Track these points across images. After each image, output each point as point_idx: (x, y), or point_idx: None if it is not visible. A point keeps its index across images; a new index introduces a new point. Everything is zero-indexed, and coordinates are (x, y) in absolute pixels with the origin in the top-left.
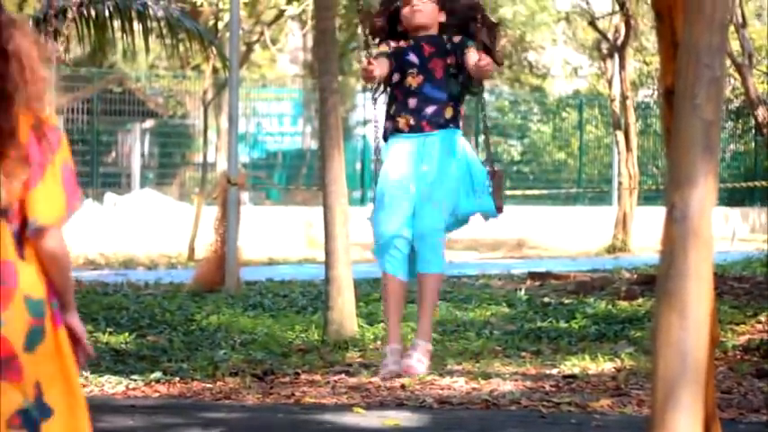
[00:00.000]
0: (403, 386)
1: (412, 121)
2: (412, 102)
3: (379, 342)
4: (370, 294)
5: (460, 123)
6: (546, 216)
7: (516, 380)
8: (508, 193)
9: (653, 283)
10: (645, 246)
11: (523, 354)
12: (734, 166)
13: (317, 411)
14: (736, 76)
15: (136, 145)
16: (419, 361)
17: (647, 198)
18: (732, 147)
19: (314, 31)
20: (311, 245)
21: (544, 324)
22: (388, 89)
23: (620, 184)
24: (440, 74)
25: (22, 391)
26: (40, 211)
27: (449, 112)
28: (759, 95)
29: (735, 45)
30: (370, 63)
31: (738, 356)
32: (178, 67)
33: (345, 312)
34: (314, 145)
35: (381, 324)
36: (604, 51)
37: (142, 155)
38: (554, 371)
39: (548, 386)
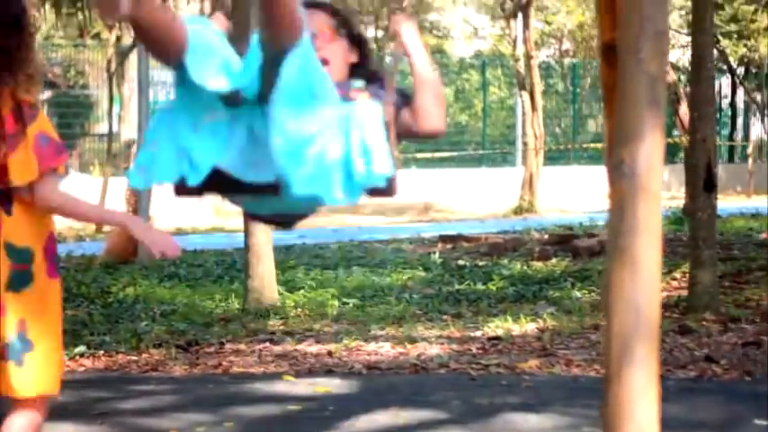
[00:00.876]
0: (330, 353)
1: None
2: None
3: (299, 309)
4: (287, 261)
5: None
6: (451, 179)
7: (442, 343)
8: (417, 156)
9: (564, 244)
10: (551, 206)
11: (445, 317)
12: None
13: (247, 381)
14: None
15: None
16: None
17: (550, 158)
18: None
19: None
20: (218, 213)
21: (462, 287)
22: None
23: (525, 144)
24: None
25: (4, 326)
26: (13, 174)
27: None
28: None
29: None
30: None
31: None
32: (77, 36)
33: (266, 280)
34: None
35: (302, 291)
36: (508, 11)
37: None
38: (478, 333)
39: (474, 348)
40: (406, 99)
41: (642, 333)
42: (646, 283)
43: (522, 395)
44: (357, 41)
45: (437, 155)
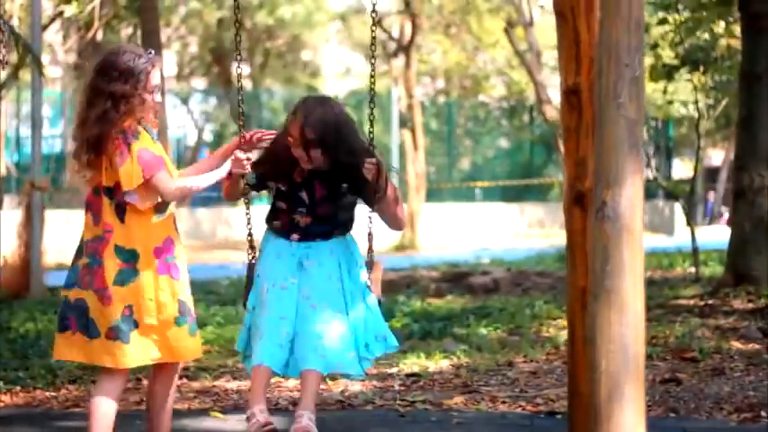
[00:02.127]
0: (250, 389)
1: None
2: (296, 234)
3: (209, 345)
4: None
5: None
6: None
7: (362, 379)
8: None
9: (458, 281)
10: (430, 243)
11: None
12: (509, 163)
13: (175, 417)
14: (513, 74)
15: None
16: (310, 420)
17: (430, 196)
18: (508, 144)
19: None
20: None
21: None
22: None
23: (406, 182)
24: (327, 213)
25: (112, 312)
26: (123, 181)
27: (336, 233)
28: (546, 91)
29: (523, 44)
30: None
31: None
32: None
33: None
34: None
35: (209, 327)
36: (389, 51)
37: None
38: (394, 369)
39: (396, 385)
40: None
41: (630, 371)
42: (632, 322)
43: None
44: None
45: None
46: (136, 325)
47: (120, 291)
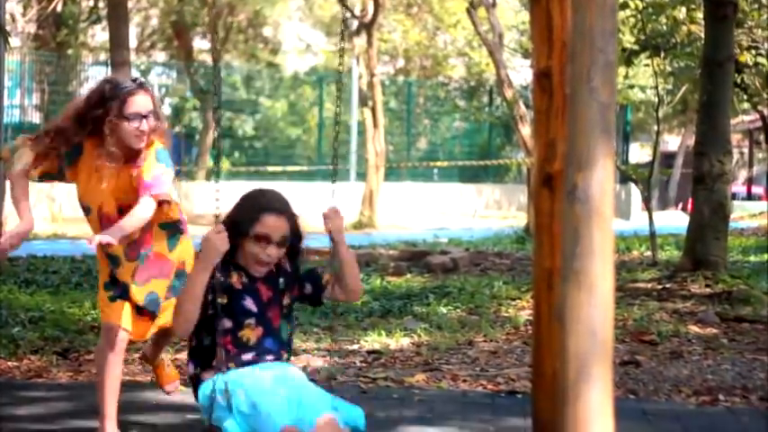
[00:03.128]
0: None
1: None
2: (248, 355)
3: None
4: None
5: None
6: (285, 192)
7: (324, 355)
8: (251, 169)
9: (417, 260)
10: (389, 222)
11: (316, 330)
12: (467, 144)
13: (137, 389)
14: (473, 55)
15: None
16: None
17: (387, 174)
18: (466, 125)
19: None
20: (55, 220)
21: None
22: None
23: (366, 160)
24: (277, 322)
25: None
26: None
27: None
28: (507, 74)
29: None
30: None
31: (531, 332)
32: None
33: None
34: (36, 118)
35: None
36: (350, 29)
37: None
38: (355, 346)
39: (358, 361)
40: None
41: (598, 353)
42: (601, 304)
43: (416, 409)
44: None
45: (270, 168)
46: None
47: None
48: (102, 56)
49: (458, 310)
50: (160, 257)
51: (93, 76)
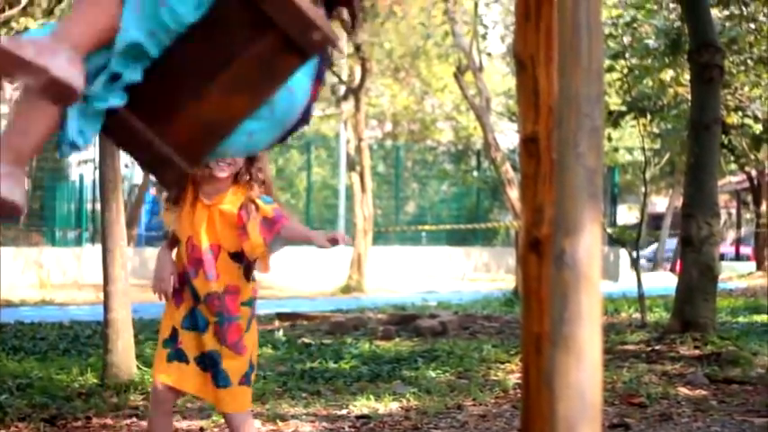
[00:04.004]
0: (202, 429)
1: None
2: None
3: None
4: (140, 334)
5: None
6: (274, 256)
7: (312, 420)
8: None
9: (406, 323)
10: (376, 286)
11: (305, 395)
12: (455, 207)
13: None
14: (460, 118)
15: None
16: None
17: (376, 238)
18: (454, 189)
19: None
20: (43, 287)
21: (314, 365)
22: None
23: (354, 225)
24: None
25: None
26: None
27: None
28: (495, 137)
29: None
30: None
31: (520, 395)
32: None
33: (125, 355)
34: None
35: None
36: (338, 94)
37: None
38: (344, 411)
39: (346, 427)
40: None
41: (587, 418)
42: (590, 369)
43: None
44: None
45: None
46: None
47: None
48: None
49: (447, 374)
50: (239, 331)
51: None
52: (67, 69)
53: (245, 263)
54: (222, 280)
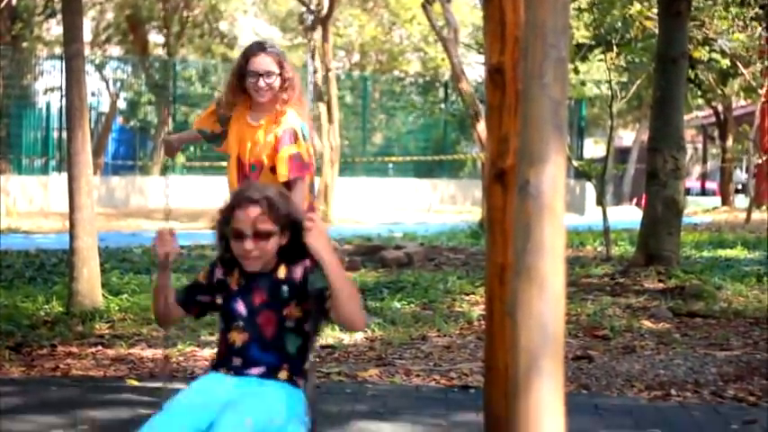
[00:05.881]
0: (167, 357)
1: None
2: (236, 360)
3: (124, 313)
4: (106, 263)
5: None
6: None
7: None
8: (206, 164)
9: (371, 254)
10: (344, 217)
11: None
12: (423, 139)
13: (89, 383)
14: (428, 50)
15: None
16: None
17: (342, 169)
18: (421, 120)
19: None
20: (9, 215)
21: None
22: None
23: (320, 155)
24: (270, 331)
25: None
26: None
27: (283, 375)
28: (462, 69)
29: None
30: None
31: (484, 327)
32: None
33: (90, 283)
34: None
35: (125, 295)
36: (306, 24)
37: None
38: None
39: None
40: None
41: (549, 348)
42: (552, 300)
43: (368, 403)
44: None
45: (225, 164)
46: None
47: None
48: (57, 49)
49: (412, 305)
50: None
51: (47, 69)
52: None
53: None
54: None
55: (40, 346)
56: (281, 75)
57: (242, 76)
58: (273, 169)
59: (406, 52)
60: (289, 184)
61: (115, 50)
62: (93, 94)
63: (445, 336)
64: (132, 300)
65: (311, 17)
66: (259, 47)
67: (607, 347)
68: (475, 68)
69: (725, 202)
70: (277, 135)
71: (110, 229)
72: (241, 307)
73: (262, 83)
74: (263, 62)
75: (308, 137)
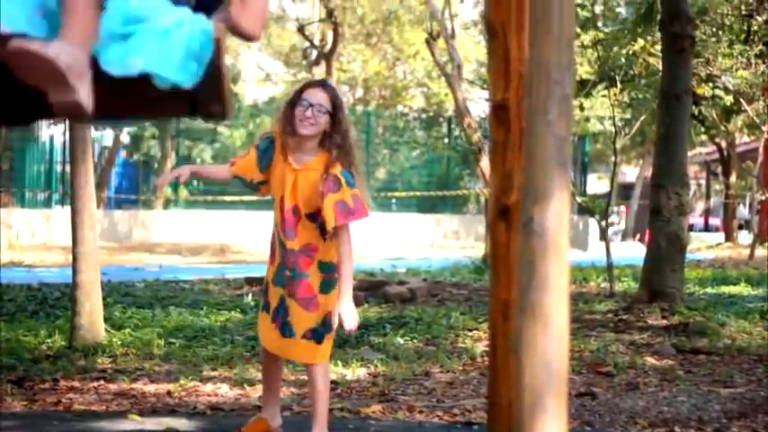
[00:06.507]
0: (169, 392)
1: None
2: None
3: (127, 348)
4: (108, 297)
5: None
6: (243, 221)
7: (281, 386)
8: (209, 198)
9: (375, 290)
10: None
11: None
12: (426, 174)
13: (92, 418)
14: (432, 85)
15: None
16: None
17: None
18: (425, 156)
19: None
20: (12, 248)
21: None
22: None
23: None
24: None
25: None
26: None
27: None
28: (466, 105)
29: (444, 56)
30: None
31: (487, 363)
32: None
33: (93, 317)
34: None
35: (127, 330)
36: (310, 59)
37: None
38: None
39: None
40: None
41: (553, 386)
42: (556, 336)
43: None
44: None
45: (227, 198)
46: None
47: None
48: None
49: (415, 341)
50: (310, 289)
51: None
52: None
53: (318, 221)
54: (301, 238)
55: (42, 381)
56: (332, 115)
57: (294, 106)
58: (310, 216)
59: (409, 87)
60: (336, 231)
61: None
62: (96, 128)
63: (448, 372)
64: (135, 334)
65: (315, 52)
66: (319, 82)
67: (610, 384)
68: (479, 104)
69: (728, 238)
70: (320, 182)
71: (112, 263)
72: None
73: (309, 112)
74: (316, 94)
75: (351, 183)
